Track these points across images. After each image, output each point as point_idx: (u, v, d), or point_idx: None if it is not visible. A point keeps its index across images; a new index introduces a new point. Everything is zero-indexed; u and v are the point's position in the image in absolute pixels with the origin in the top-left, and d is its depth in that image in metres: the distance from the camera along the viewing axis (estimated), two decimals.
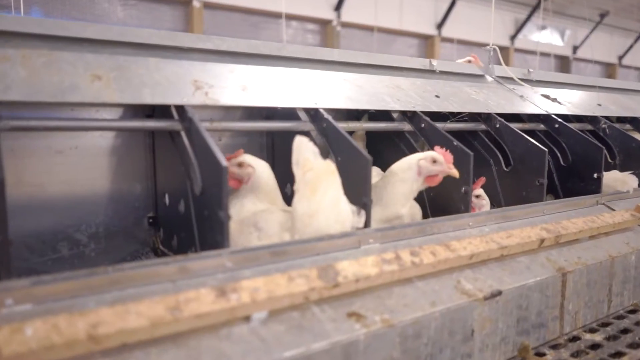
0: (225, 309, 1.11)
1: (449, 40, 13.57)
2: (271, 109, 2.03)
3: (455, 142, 2.00)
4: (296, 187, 1.52)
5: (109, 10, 9.34)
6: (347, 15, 11.72)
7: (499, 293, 1.53)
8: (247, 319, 1.18)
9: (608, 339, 1.76)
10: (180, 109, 1.59)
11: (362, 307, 1.31)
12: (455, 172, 1.86)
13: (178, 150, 1.60)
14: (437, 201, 1.97)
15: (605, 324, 1.88)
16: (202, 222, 1.48)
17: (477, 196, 2.19)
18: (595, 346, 1.70)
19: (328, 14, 11.59)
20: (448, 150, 1.89)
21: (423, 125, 2.11)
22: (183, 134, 1.57)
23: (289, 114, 1.94)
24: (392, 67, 2.53)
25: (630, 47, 18.62)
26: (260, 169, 1.67)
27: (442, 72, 2.73)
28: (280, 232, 1.54)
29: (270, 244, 1.40)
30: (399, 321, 1.29)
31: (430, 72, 2.68)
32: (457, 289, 1.49)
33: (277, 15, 10.38)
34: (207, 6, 10.53)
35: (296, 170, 1.53)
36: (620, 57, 18.71)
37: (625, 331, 1.82)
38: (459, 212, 1.91)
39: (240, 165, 1.65)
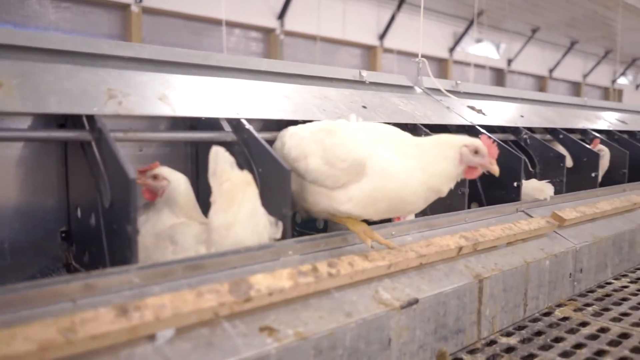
0: (126, 329, 1.07)
1: (391, 51, 13.91)
2: (195, 119, 1.98)
3: None
4: (213, 198, 1.49)
5: (40, 12, 8.90)
6: (291, 24, 11.77)
7: (416, 301, 1.55)
8: (152, 338, 1.13)
9: (523, 341, 1.83)
10: (91, 118, 1.53)
11: (275, 321, 1.29)
12: (496, 169, 1.62)
13: (88, 161, 1.53)
14: None
15: (521, 327, 1.95)
16: (112, 237, 1.42)
17: None
18: (510, 349, 1.76)
19: (271, 22, 11.60)
20: (495, 143, 1.65)
21: None
22: (93, 144, 1.50)
23: (212, 124, 1.90)
24: (322, 77, 2.54)
25: (559, 61, 19.77)
26: (176, 182, 1.63)
27: (372, 83, 2.78)
28: (196, 245, 1.50)
29: (184, 258, 1.36)
30: (313, 333, 1.28)
31: (359, 82, 2.73)
32: (374, 298, 1.51)
33: (220, 23, 10.26)
34: (147, 11, 10.26)
35: (213, 181, 1.50)
36: (551, 70, 19.82)
37: (539, 333, 1.90)
38: (383, 222, 1.94)
39: (154, 177, 1.60)
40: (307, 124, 1.80)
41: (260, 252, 1.47)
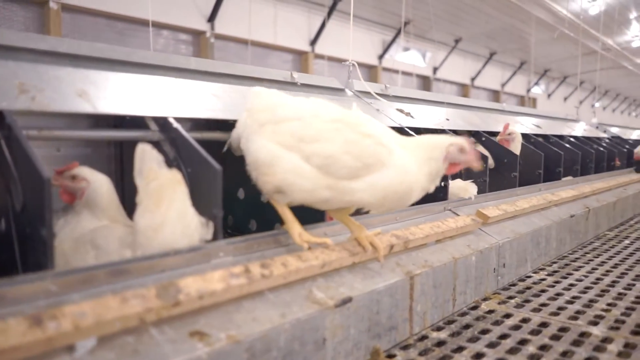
0: (41, 340, 0.98)
1: (322, 57, 14.07)
2: (119, 118, 1.88)
3: None
4: (139, 198, 1.42)
5: None
6: (221, 27, 11.58)
7: (350, 300, 1.56)
8: (71, 348, 1.05)
9: (452, 335, 1.88)
10: (0, 114, 1.40)
11: (206, 325, 1.24)
12: (479, 165, 1.72)
13: None
14: (294, 211, 1.97)
15: (450, 322, 2.01)
16: (24, 242, 1.31)
17: None
18: (440, 343, 1.81)
19: (201, 25, 11.35)
20: (475, 143, 1.72)
21: None
22: (3, 143, 1.38)
23: (138, 123, 1.82)
24: (251, 77, 2.51)
25: (480, 70, 20.89)
26: (97, 183, 1.53)
27: (303, 85, 2.78)
28: (121, 249, 1.41)
29: (107, 263, 1.28)
30: (246, 336, 1.24)
31: (291, 84, 2.71)
32: (308, 298, 1.49)
33: (146, 23, 9.91)
34: (66, 9, 9.69)
35: (139, 180, 1.43)
36: (473, 79, 20.89)
37: (467, 327, 1.96)
38: (316, 222, 1.93)
39: (73, 178, 1.49)
40: (298, 100, 1.70)
41: (190, 254, 1.41)
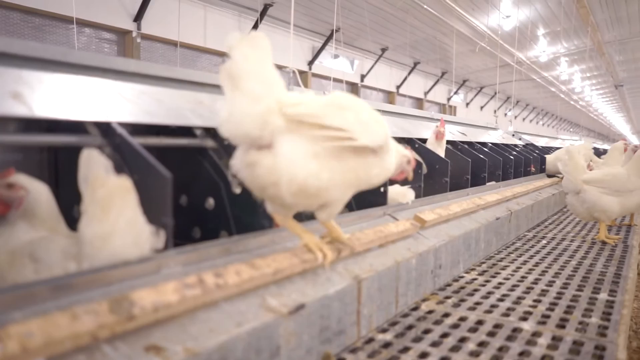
0: None
1: None
2: (56, 122, 1.77)
3: None
4: (84, 207, 1.34)
5: None
6: (148, 27, 11.18)
7: (302, 306, 1.57)
8: None
9: (397, 336, 1.95)
10: None
11: (162, 338, 1.20)
12: (411, 176, 2.00)
13: None
14: (240, 219, 1.95)
15: (394, 323, 2.08)
16: None
17: None
18: (387, 345, 1.87)
19: (127, 24, 10.89)
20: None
21: (226, 142, 2.09)
22: None
23: (76, 127, 1.72)
24: (194, 82, 2.45)
25: (405, 79, 21.72)
26: (37, 192, 1.43)
27: None
28: (64, 261, 1.33)
29: (50, 277, 1.20)
30: (203, 348, 1.22)
31: None
32: (262, 306, 1.48)
33: (66, 20, 9.37)
34: None
35: (84, 188, 1.35)
36: (398, 87, 21.67)
37: (410, 327, 2.04)
38: (264, 229, 1.93)
39: (9, 186, 1.39)
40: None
41: (140, 265, 1.36)
